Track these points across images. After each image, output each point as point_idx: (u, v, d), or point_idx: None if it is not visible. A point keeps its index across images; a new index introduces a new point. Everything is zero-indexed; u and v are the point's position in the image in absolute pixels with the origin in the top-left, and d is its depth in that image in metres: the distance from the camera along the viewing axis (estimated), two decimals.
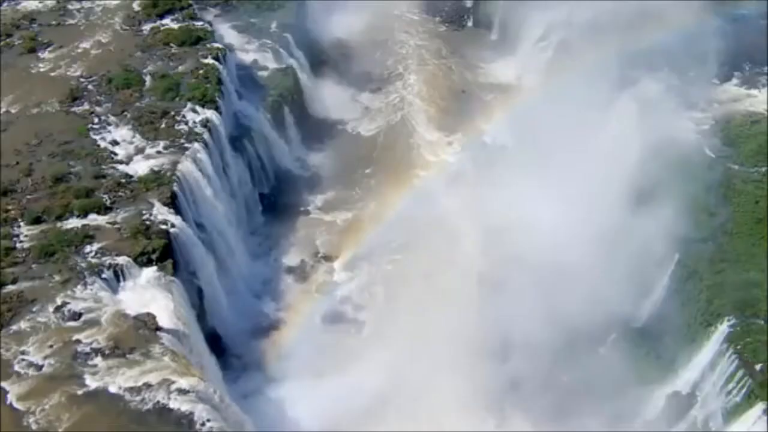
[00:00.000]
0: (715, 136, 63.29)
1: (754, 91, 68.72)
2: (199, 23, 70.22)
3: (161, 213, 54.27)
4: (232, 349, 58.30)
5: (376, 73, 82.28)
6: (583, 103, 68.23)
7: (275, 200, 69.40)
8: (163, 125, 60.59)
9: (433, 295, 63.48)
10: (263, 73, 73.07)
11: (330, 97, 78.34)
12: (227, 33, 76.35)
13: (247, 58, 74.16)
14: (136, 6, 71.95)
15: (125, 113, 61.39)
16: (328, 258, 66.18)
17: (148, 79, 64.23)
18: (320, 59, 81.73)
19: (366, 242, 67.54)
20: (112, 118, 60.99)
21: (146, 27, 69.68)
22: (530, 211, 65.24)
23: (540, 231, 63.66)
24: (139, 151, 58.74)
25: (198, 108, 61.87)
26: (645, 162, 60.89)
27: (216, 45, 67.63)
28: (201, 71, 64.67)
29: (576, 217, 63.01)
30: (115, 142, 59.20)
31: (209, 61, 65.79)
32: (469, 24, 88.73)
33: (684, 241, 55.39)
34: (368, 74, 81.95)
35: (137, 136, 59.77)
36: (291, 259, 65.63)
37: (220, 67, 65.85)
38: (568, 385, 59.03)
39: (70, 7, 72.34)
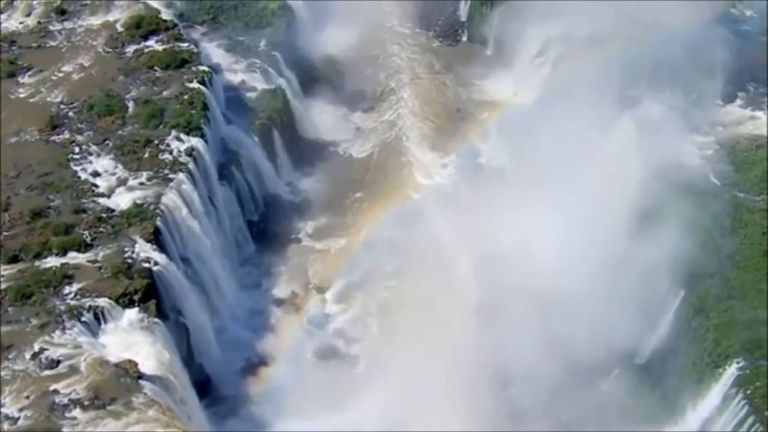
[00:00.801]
0: (720, 161, 61.14)
1: (758, 113, 66.66)
2: (184, 44, 67.80)
3: (144, 250, 52.10)
4: (220, 388, 56.05)
5: (368, 91, 79.89)
6: (582, 123, 66.13)
7: (265, 228, 67.10)
8: (146, 155, 58.32)
9: (429, 326, 61.19)
10: (252, 95, 70.67)
11: (321, 118, 75.95)
12: (214, 52, 74.05)
13: (235, 78, 71.80)
14: (119, 27, 69.45)
15: (107, 142, 59.09)
16: (319, 288, 63.89)
17: (131, 105, 61.90)
18: (311, 77, 79.24)
19: (359, 270, 65.21)
20: (93, 148, 58.69)
21: (129, 49, 67.22)
22: (528, 237, 63.15)
23: (538, 257, 61.64)
24: (122, 182, 56.50)
25: (183, 136, 59.60)
26: (647, 188, 58.82)
27: (202, 68, 65.24)
28: (186, 96, 62.33)
29: (576, 243, 60.92)
30: (96, 174, 56.94)
31: (195, 85, 63.46)
32: (464, 38, 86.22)
33: (689, 274, 53.27)
34: (360, 92, 79.55)
35: (119, 166, 57.50)
36: (282, 290, 63.31)
37: (206, 91, 63.53)
38: (569, 420, 57.05)
39: (51, 28, 69.87)
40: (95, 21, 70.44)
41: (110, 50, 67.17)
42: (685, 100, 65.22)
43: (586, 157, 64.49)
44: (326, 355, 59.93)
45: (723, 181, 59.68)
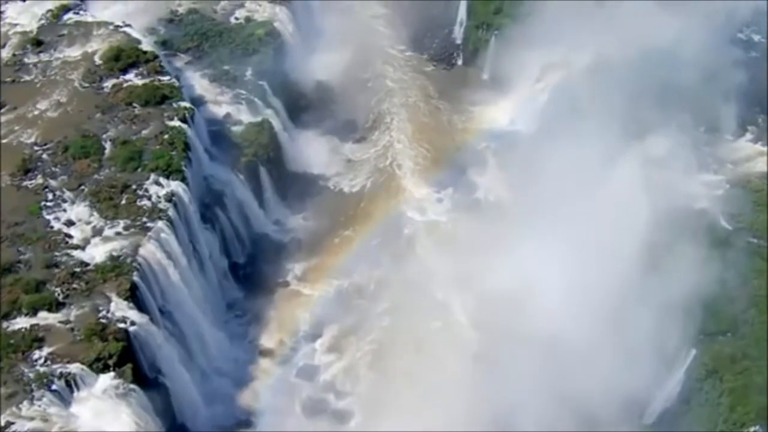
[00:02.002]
0: (731, 202, 57.99)
1: None
2: (165, 78, 64.33)
3: (119, 308, 49.11)
4: None
5: (359, 120, 76.67)
6: (585, 157, 62.89)
7: (252, 270, 63.97)
8: (123, 201, 55.12)
9: (425, 376, 58.15)
10: (237, 129, 67.38)
11: (310, 150, 72.67)
12: (198, 83, 70.69)
13: (220, 111, 68.44)
14: (97, 59, 65.96)
15: (82, 187, 55.86)
16: (308, 337, 60.74)
17: (108, 146, 58.58)
18: (300, 105, 75.93)
19: (350, 315, 62.20)
20: (67, 194, 55.46)
21: (108, 83, 63.73)
22: (529, 278, 59.78)
23: (540, 300, 58.37)
24: (97, 232, 53.34)
25: (162, 180, 56.35)
26: (655, 231, 55.66)
27: (183, 104, 61.86)
28: (166, 136, 59.03)
29: (580, 288, 57.63)
30: (70, 223, 53.80)
31: (175, 123, 60.14)
32: (459, 62, 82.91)
33: (701, 331, 50.14)
34: (351, 121, 76.32)
35: (95, 214, 54.30)
36: (269, 338, 60.19)
37: (188, 129, 60.24)
38: None
39: (27, 60, 66.23)
40: (72, 53, 66.95)
41: (87, 85, 63.73)
42: (692, 134, 62.01)
43: (589, 194, 61.20)
44: (316, 410, 56.85)
45: (735, 225, 56.54)
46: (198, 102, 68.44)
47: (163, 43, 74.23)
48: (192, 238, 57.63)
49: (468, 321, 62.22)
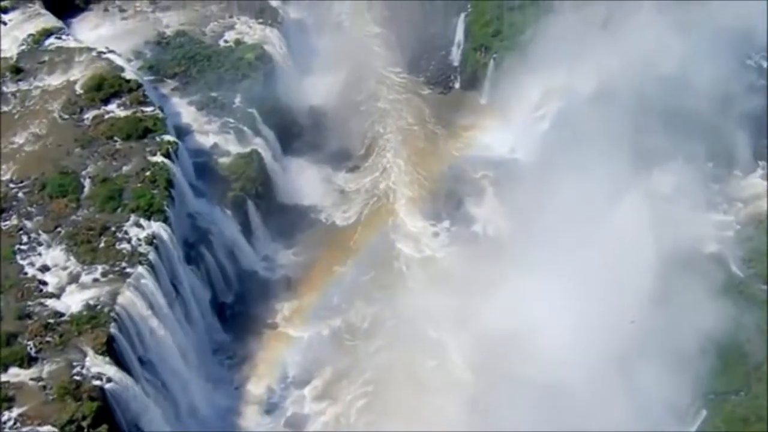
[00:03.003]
0: (742, 246, 55.13)
1: None
2: (149, 109, 61.51)
3: (95, 364, 46.47)
4: None
5: (353, 147, 73.85)
6: (587, 191, 60.29)
7: (239, 310, 61.19)
8: (101, 244, 52.43)
9: (420, 423, 55.42)
10: (225, 161, 64.63)
11: (302, 180, 69.88)
12: (185, 111, 67.98)
13: (207, 141, 65.70)
14: (78, 88, 63.28)
15: (59, 229, 53.23)
16: (298, 383, 57.94)
17: (87, 183, 55.90)
18: (292, 133, 73.20)
19: (342, 359, 59.39)
20: (43, 236, 52.81)
21: (88, 115, 61.01)
22: (529, 320, 57.22)
23: (540, 344, 55.81)
24: (73, 279, 50.70)
25: (143, 221, 53.65)
26: (661, 276, 52.83)
27: (167, 138, 59.07)
28: (148, 173, 56.28)
29: (583, 332, 55.05)
30: (45, 268, 51.21)
31: (158, 159, 57.38)
32: (456, 85, 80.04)
33: (711, 389, 47.24)
34: (344, 149, 73.49)
35: (71, 259, 51.65)
36: (256, 384, 57.40)
37: (171, 165, 57.48)
38: None
39: (5, 89, 63.58)
40: (53, 81, 64.27)
41: (67, 116, 61.01)
42: (700, 168, 58.99)
43: (592, 232, 58.53)
44: None
45: (746, 272, 53.64)
46: (184, 132, 65.89)
47: (150, 68, 71.75)
48: (175, 280, 54.93)
49: (465, 363, 59.48)
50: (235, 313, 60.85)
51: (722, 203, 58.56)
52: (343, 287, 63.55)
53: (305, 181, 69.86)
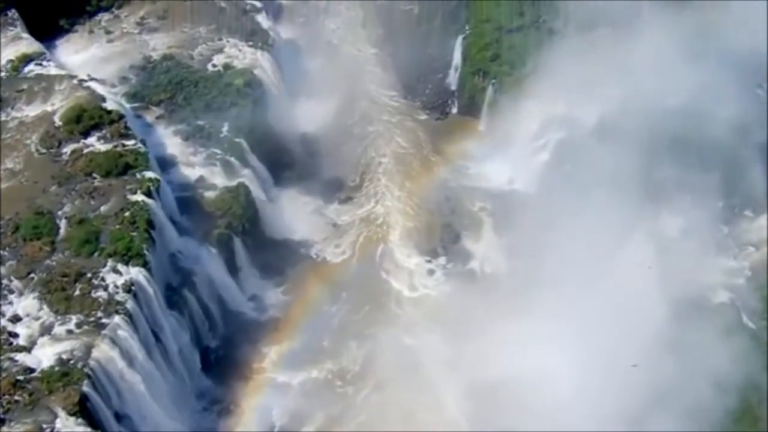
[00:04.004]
0: (753, 295, 52.24)
1: None
2: (130, 142, 58.81)
3: (66, 426, 43.69)
4: None
5: (346, 177, 71.06)
6: (590, 230, 57.77)
7: (225, 354, 58.35)
8: (77, 292, 49.79)
9: None
10: (210, 195, 61.80)
11: (292, 213, 67.05)
12: (169, 141, 65.26)
13: (192, 174, 62.95)
14: (57, 120, 60.58)
15: (32, 275, 50.59)
16: None
17: (62, 225, 53.23)
18: (282, 162, 70.46)
19: (332, 406, 56.54)
20: (15, 283, 50.16)
21: (67, 149, 58.39)
22: (527, 365, 54.75)
23: (539, 392, 53.24)
24: (46, 330, 48.09)
25: (121, 267, 50.94)
26: (669, 325, 50.16)
27: (148, 175, 56.32)
28: (127, 213, 53.57)
29: (585, 378, 52.50)
30: (16, 318, 48.66)
31: (138, 197, 54.66)
32: (454, 110, 77.19)
33: None
34: (337, 179, 70.74)
35: (44, 308, 49.03)
36: None
37: (153, 204, 54.75)
38: None
39: None
40: (31, 111, 61.68)
41: (45, 151, 58.34)
42: (709, 208, 56.09)
43: (595, 274, 55.94)
44: None
45: (758, 324, 50.79)
46: (168, 164, 63.23)
47: (134, 95, 69.10)
48: (155, 326, 52.22)
49: (459, 410, 56.65)
50: (220, 357, 58.02)
51: (732, 247, 55.67)
52: (334, 328, 60.77)
53: (296, 214, 67.04)
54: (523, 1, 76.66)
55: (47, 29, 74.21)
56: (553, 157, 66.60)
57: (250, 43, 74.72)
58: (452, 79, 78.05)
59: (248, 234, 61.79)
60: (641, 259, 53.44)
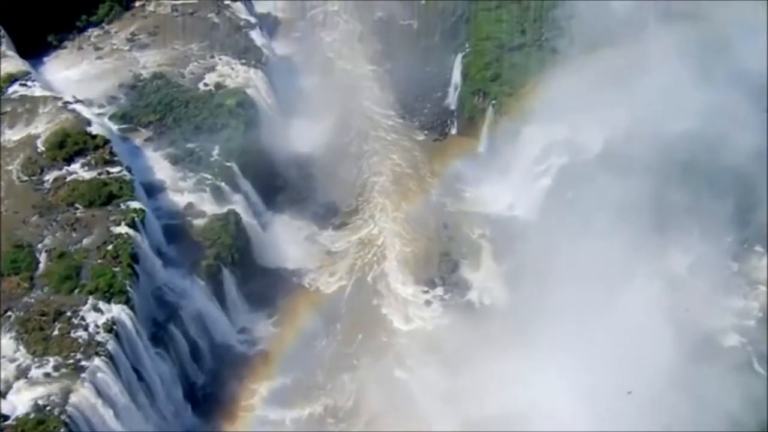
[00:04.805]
0: (764, 338, 49.68)
1: None
2: (115, 169, 56.49)
3: None
4: None
5: (341, 201, 68.83)
6: (593, 263, 55.45)
7: (212, 390, 55.91)
8: (55, 332, 47.47)
9: None
10: (199, 223, 59.57)
11: (284, 240, 64.82)
12: (157, 165, 63.05)
13: (180, 201, 60.69)
14: (40, 144, 58.35)
15: (9, 314, 48.22)
16: None
17: (42, 259, 50.93)
18: (275, 186, 68.36)
19: None
20: None
21: (49, 177, 56.11)
22: (527, 402, 52.58)
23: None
24: (22, 373, 45.80)
25: (102, 305, 48.62)
26: (676, 367, 47.78)
27: (133, 205, 53.95)
28: (110, 247, 51.22)
29: (588, 415, 50.31)
30: None
31: (122, 230, 52.32)
32: (453, 131, 74.98)
33: None
34: (332, 203, 68.50)
35: (21, 350, 46.73)
36: None
37: (137, 236, 52.44)
38: None
39: None
40: (14, 135, 59.35)
41: (26, 178, 56.04)
42: (718, 244, 53.68)
43: (599, 309, 53.69)
44: None
45: None
46: (156, 190, 61.09)
47: (122, 117, 67.07)
48: (139, 365, 49.90)
49: None
50: (208, 394, 55.67)
51: (742, 285, 53.11)
52: (327, 361, 58.52)
53: (288, 241, 64.83)
54: (524, 19, 74.60)
55: (35, 46, 72.16)
56: (555, 183, 64.23)
57: (243, 61, 72.57)
58: (451, 99, 75.91)
59: (238, 264, 59.52)
60: (647, 296, 50.95)
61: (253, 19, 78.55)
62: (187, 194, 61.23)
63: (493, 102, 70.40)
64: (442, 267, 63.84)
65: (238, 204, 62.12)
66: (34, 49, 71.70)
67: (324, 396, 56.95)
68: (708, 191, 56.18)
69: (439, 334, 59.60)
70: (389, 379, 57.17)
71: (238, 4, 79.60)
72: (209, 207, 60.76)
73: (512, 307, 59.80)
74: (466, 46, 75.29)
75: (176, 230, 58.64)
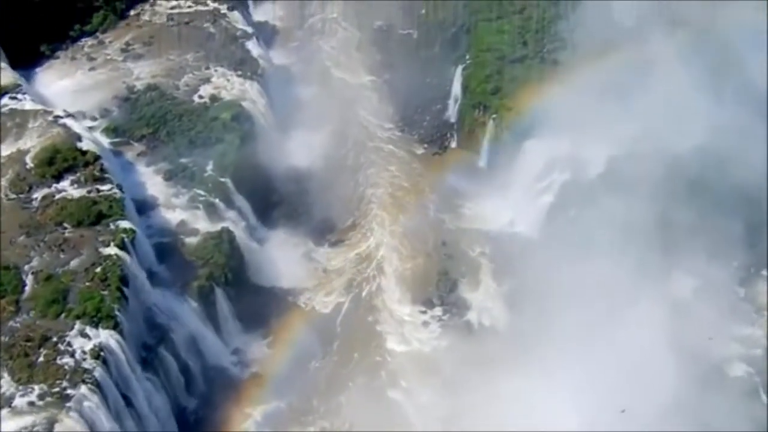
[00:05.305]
0: None
1: None
2: (105, 187, 55.09)
3: None
4: None
5: (337, 216, 67.36)
6: (595, 284, 54.07)
7: (204, 415, 54.20)
8: (41, 358, 45.97)
9: None
10: (192, 241, 58.11)
11: (280, 257, 63.21)
12: (150, 181, 61.68)
13: (173, 218, 59.29)
14: (29, 160, 57.00)
15: None
16: None
17: (29, 281, 49.48)
18: (270, 201, 66.98)
19: None
20: None
21: (38, 194, 54.74)
22: (527, 427, 50.82)
23: None
24: (6, 402, 44.33)
25: (89, 330, 47.18)
26: (681, 395, 46.19)
27: (123, 225, 52.50)
28: (98, 269, 49.74)
29: None
30: None
31: (111, 251, 50.88)
32: (453, 145, 73.54)
33: None
34: (328, 219, 67.03)
35: (5, 377, 45.31)
36: None
37: (126, 258, 51.00)
38: None
39: None
40: (3, 151, 57.86)
41: (14, 196, 54.67)
42: (725, 268, 52.18)
43: (602, 332, 52.28)
44: None
45: None
46: (148, 207, 59.75)
47: (115, 130, 65.79)
48: (127, 391, 48.42)
49: None
50: (200, 418, 54.01)
51: (750, 311, 51.67)
52: (322, 384, 56.93)
53: (284, 259, 63.25)
54: (526, 30, 73.13)
55: (27, 56, 70.89)
56: (557, 200, 62.82)
57: (239, 73, 71.16)
58: (451, 112, 74.49)
59: (231, 284, 58.01)
60: (651, 321, 49.49)
61: (249, 29, 77.16)
62: (180, 211, 59.83)
63: (494, 116, 69.00)
64: (440, 286, 62.33)
65: (232, 221, 60.76)
66: (26, 60, 70.44)
67: (319, 420, 55.38)
68: (715, 211, 54.70)
69: (436, 356, 58.14)
70: (386, 403, 55.75)
71: (235, 13, 78.29)
72: (202, 224, 59.34)
73: (512, 328, 58.39)
74: (467, 57, 73.91)
75: (168, 249, 57.19)
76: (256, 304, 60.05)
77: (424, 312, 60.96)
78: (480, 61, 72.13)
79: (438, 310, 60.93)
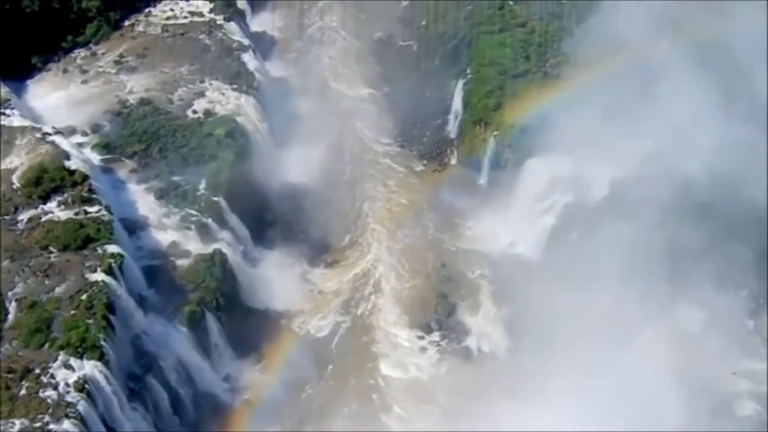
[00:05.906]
0: None
1: None
2: (93, 208, 53.54)
3: None
4: None
5: (334, 236, 65.73)
6: (599, 309, 52.48)
7: None
8: (23, 391, 44.44)
9: None
10: (183, 264, 56.46)
11: (274, 279, 61.55)
12: (141, 200, 59.99)
13: (164, 239, 57.64)
14: (15, 180, 55.42)
15: None
16: None
17: (12, 309, 47.90)
18: (265, 220, 65.37)
19: None
20: None
21: (24, 216, 53.20)
22: None
23: None
24: None
25: (73, 361, 45.52)
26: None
27: (110, 250, 50.89)
28: (84, 297, 48.14)
29: None
30: None
31: (98, 277, 49.23)
32: (453, 161, 71.80)
33: None
34: (324, 239, 65.39)
35: None
36: None
37: (114, 284, 49.36)
38: None
39: None
40: None
41: None
42: (733, 300, 50.30)
43: (604, 361, 50.62)
44: None
45: None
46: (138, 227, 58.13)
47: (106, 146, 64.00)
48: (113, 424, 46.75)
49: None
50: None
51: (758, 345, 49.78)
52: (316, 411, 55.43)
53: (278, 280, 61.59)
54: (528, 44, 71.28)
55: (18, 68, 69.32)
56: (559, 223, 61.06)
57: (234, 86, 69.54)
58: (452, 127, 72.74)
59: (223, 308, 56.36)
60: (656, 354, 47.75)
61: (246, 41, 75.50)
62: (171, 232, 58.18)
63: (495, 133, 67.13)
64: (439, 309, 60.67)
65: (225, 242, 59.08)
66: (16, 72, 68.88)
67: None
68: (724, 235, 52.70)
69: (434, 383, 56.54)
70: (382, 430, 54.13)
71: (232, 24, 76.68)
72: (194, 246, 57.68)
73: (512, 355, 56.88)
74: (468, 71, 72.01)
75: (158, 272, 55.56)
76: (249, 328, 58.43)
77: (422, 338, 59.29)
78: (481, 75, 70.29)
79: (436, 336, 59.31)
